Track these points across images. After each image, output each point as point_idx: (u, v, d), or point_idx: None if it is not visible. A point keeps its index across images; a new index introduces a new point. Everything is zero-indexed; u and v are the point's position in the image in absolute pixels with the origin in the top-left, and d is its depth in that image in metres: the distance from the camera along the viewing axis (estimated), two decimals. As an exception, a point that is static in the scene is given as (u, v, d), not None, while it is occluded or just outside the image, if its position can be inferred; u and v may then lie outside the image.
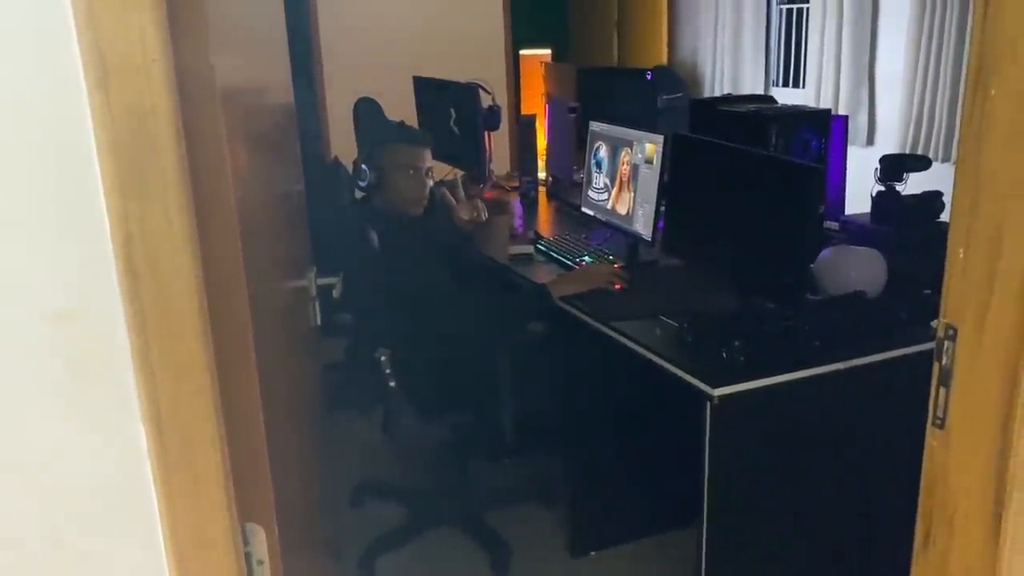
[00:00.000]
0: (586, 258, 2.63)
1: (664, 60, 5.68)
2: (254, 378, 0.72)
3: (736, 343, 1.84)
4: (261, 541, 0.78)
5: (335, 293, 1.50)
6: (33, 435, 0.57)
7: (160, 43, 0.53)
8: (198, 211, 0.60)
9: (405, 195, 2.45)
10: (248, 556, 0.78)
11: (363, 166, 2.38)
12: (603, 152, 2.78)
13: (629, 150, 2.59)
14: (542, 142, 3.83)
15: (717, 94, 5.29)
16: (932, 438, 0.99)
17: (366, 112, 3.28)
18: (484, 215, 2.82)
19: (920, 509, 1.08)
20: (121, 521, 0.60)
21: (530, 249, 2.82)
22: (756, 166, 2.15)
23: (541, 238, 2.92)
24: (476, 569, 2.56)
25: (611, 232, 2.76)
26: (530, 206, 3.53)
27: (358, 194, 2.45)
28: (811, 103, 4.67)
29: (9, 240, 0.54)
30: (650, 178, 2.47)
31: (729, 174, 2.21)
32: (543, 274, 2.57)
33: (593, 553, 2.61)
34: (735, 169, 2.20)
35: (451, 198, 2.81)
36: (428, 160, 2.50)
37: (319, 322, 1.48)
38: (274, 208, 1.20)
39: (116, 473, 0.59)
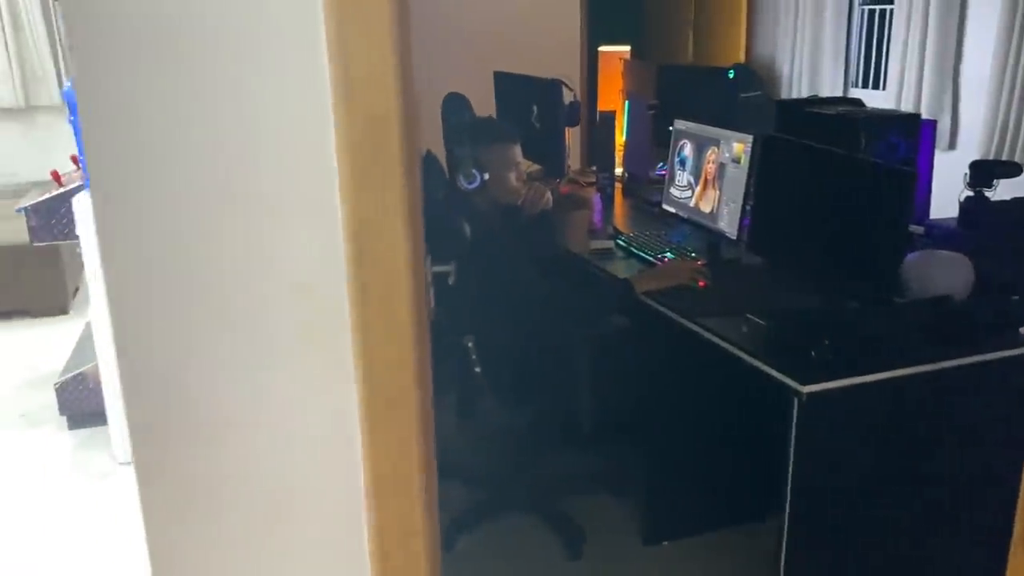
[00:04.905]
0: (668, 254, 2.69)
1: (741, 59, 5.67)
2: (427, 352, 0.81)
3: (825, 342, 1.88)
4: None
5: (450, 280, 1.59)
6: (265, 389, 0.66)
7: (395, 61, 0.62)
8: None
9: (512, 191, 2.56)
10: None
11: (473, 170, 2.47)
12: (688, 150, 2.82)
13: (716, 149, 2.63)
14: (619, 138, 3.88)
15: (794, 94, 5.27)
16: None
17: (455, 108, 3.37)
18: (538, 192, 2.80)
19: (1019, 507, 1.12)
20: (329, 470, 0.69)
21: (610, 244, 2.89)
22: (849, 168, 2.18)
23: (620, 234, 2.98)
24: (549, 553, 2.64)
25: (691, 229, 2.80)
26: (606, 202, 3.59)
27: (458, 187, 2.54)
28: (891, 105, 4.61)
29: (270, 222, 0.63)
30: (737, 177, 2.51)
31: (820, 175, 2.24)
32: (624, 269, 2.63)
33: (666, 543, 2.67)
34: (827, 171, 2.22)
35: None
36: (520, 154, 2.60)
37: (433, 305, 1.58)
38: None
39: (329, 428, 0.68)
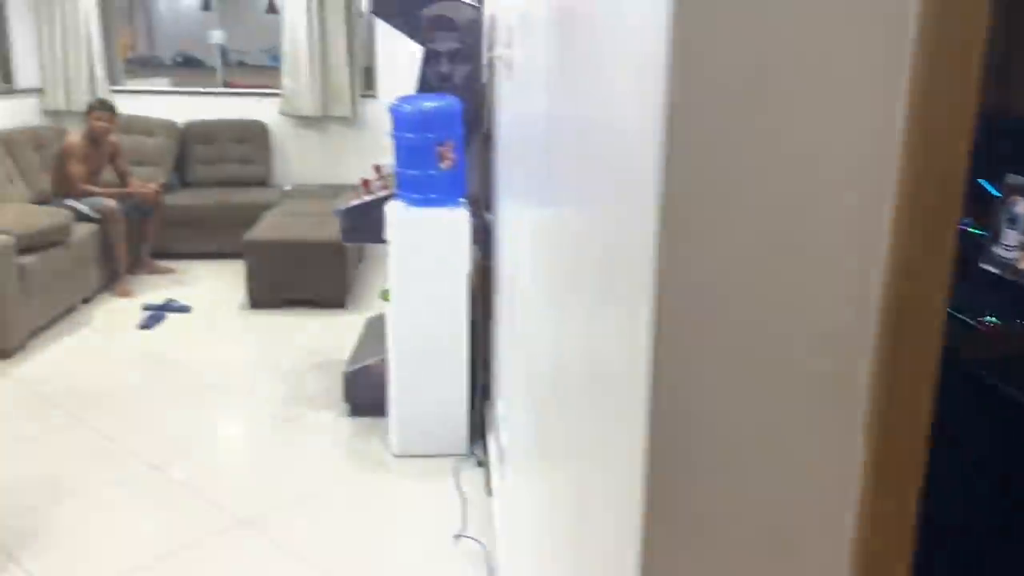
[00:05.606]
0: (991, 319, 2.45)
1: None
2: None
3: None
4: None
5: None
6: (774, 433, 0.66)
7: (970, 122, 0.60)
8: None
9: None
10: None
11: None
12: (1021, 208, 2.57)
13: (1065, 210, 2.38)
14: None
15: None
16: None
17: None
18: None
19: None
20: (822, 520, 0.68)
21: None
22: None
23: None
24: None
25: (1017, 295, 2.55)
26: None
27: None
28: None
29: (813, 271, 0.64)
30: (1093, 244, 2.25)
31: None
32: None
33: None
34: None
35: None
36: None
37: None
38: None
39: (828, 479, 0.67)
